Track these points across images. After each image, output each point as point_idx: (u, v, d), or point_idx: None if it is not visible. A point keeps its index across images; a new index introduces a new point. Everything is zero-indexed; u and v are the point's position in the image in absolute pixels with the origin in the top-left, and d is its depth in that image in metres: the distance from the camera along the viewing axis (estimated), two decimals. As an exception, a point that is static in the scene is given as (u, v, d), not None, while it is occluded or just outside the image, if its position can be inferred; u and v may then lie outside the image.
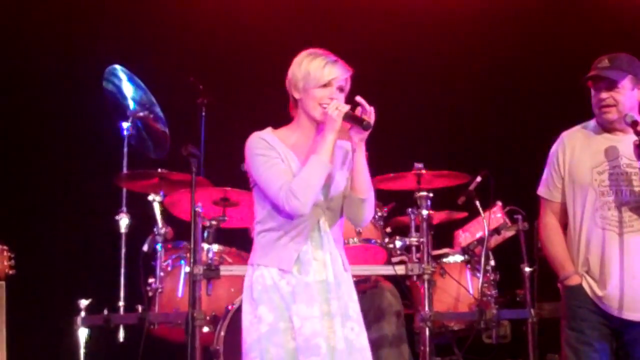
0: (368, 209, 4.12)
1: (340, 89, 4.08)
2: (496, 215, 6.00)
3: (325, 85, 4.06)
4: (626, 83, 4.72)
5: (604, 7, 7.94)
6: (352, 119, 4.01)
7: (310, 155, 4.02)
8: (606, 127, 4.79)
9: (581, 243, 4.75)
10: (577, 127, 4.90)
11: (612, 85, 4.70)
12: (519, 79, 7.90)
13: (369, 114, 4.00)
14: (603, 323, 4.72)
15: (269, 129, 4.15)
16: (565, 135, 4.89)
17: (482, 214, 6.00)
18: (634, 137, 4.62)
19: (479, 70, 7.88)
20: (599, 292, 4.71)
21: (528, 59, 7.90)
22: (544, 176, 4.92)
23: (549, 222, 4.89)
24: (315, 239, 4.06)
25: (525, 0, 8.07)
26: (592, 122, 4.88)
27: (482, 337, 6.16)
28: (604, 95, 4.71)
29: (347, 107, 4.01)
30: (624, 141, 4.74)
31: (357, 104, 4.03)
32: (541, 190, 4.94)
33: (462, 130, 7.77)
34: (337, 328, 3.98)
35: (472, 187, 6.05)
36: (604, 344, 4.73)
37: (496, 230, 6.10)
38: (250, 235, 5.93)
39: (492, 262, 6.14)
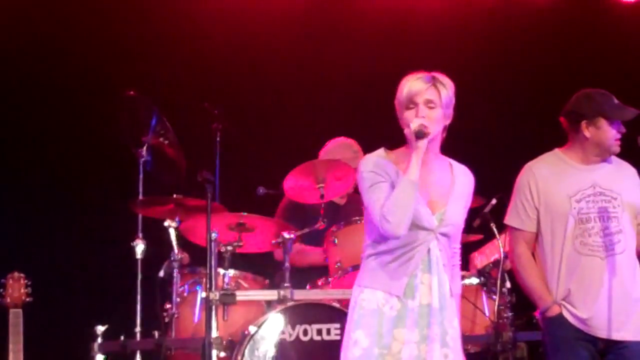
0: None
1: (429, 104, 4.05)
2: (511, 237, 5.97)
3: (409, 107, 4.06)
4: None
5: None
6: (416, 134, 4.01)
7: (421, 177, 4.00)
8: (580, 158, 4.89)
9: (561, 272, 4.80)
10: (542, 157, 4.99)
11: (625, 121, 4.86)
12: (534, 101, 7.89)
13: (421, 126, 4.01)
14: (588, 348, 4.76)
15: (381, 150, 4.14)
16: (533, 165, 4.95)
17: (498, 237, 5.99)
18: (605, 168, 4.84)
19: (493, 92, 7.87)
20: (583, 316, 4.74)
21: (543, 81, 7.88)
22: (513, 206, 4.96)
23: (523, 253, 4.92)
24: (424, 262, 4.04)
25: (551, 26, 8.08)
26: (556, 153, 4.98)
27: (499, 360, 6.13)
28: (623, 129, 4.85)
29: (415, 124, 4.00)
30: (597, 170, 4.87)
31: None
32: (512, 220, 4.95)
33: (476, 153, 7.73)
34: (435, 354, 3.98)
35: (487, 209, 6.06)
36: None
37: (512, 253, 6.08)
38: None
39: (508, 284, 6.11)
